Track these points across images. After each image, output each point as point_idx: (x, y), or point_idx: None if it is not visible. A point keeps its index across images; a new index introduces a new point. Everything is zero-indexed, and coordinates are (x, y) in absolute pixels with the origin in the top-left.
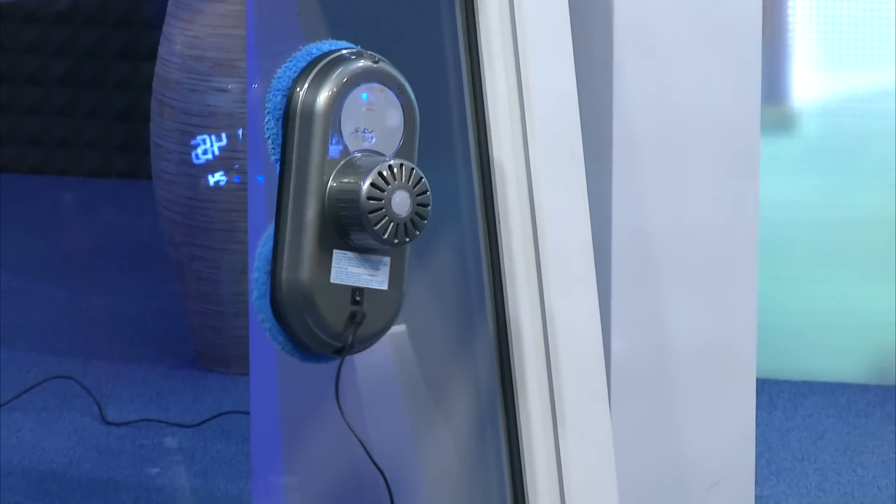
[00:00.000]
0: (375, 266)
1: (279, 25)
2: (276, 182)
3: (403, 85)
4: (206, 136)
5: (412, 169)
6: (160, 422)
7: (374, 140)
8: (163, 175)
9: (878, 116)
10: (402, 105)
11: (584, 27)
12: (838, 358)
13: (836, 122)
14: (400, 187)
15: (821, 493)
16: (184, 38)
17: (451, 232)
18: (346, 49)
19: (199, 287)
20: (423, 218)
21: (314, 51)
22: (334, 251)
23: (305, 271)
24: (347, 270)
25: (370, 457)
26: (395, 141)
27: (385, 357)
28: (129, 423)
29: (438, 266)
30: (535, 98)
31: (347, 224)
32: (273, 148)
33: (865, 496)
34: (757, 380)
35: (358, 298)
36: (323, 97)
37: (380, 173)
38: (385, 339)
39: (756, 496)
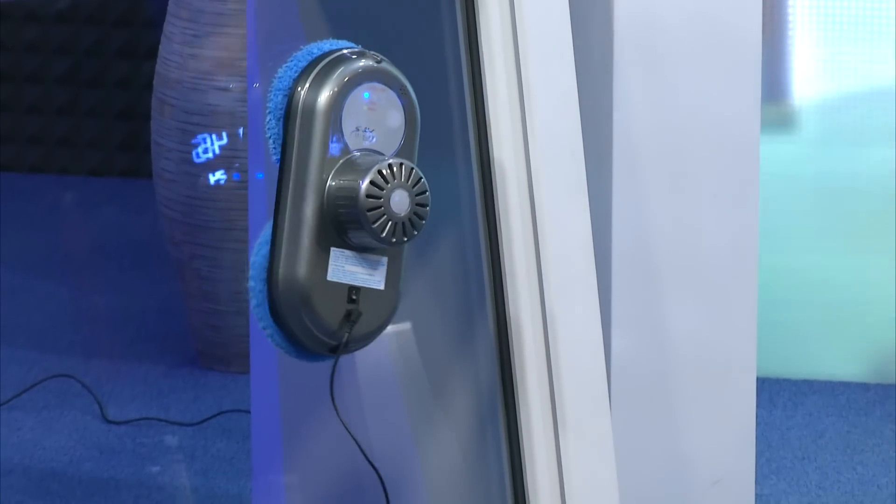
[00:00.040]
0: (373, 265)
1: (280, 25)
2: (276, 180)
3: (405, 86)
4: (206, 135)
5: (412, 168)
6: (161, 420)
7: (374, 140)
8: (163, 174)
9: (878, 116)
10: (403, 106)
11: (584, 27)
12: (838, 357)
13: (836, 121)
14: (399, 186)
15: (821, 491)
16: (184, 37)
17: (452, 231)
18: (347, 49)
19: (200, 286)
20: (421, 218)
21: (315, 50)
22: (332, 249)
23: (302, 268)
24: (344, 269)
25: (365, 456)
26: (396, 141)
27: (385, 356)
28: (129, 421)
29: (439, 265)
30: (535, 97)
31: (346, 222)
32: (274, 147)
33: (865, 494)
34: (757, 379)
35: (354, 297)
36: (325, 94)
37: (379, 172)
38: (385, 339)
39: (756, 495)
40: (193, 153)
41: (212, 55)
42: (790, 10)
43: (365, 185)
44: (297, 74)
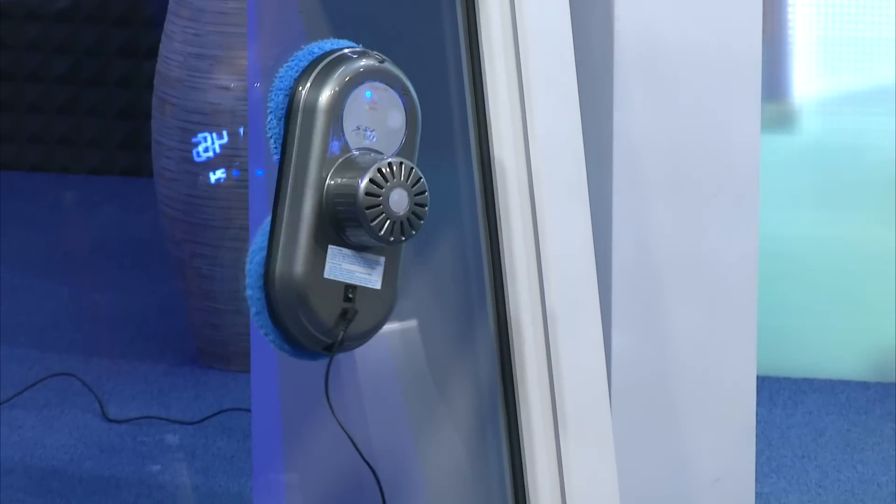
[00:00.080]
0: (370, 265)
1: (280, 24)
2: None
3: (407, 86)
4: (206, 134)
5: (411, 168)
6: (161, 419)
7: (374, 139)
8: (164, 172)
9: (879, 115)
10: (404, 106)
11: (584, 26)
12: (838, 355)
13: (835, 120)
14: (398, 185)
15: (821, 489)
16: (185, 36)
17: (452, 231)
18: (348, 48)
19: (200, 284)
20: (420, 217)
21: (316, 50)
22: (329, 247)
23: (300, 264)
24: (342, 267)
25: (360, 454)
26: (397, 141)
27: (386, 356)
28: (130, 420)
29: (439, 265)
30: (535, 97)
31: (344, 220)
32: (275, 147)
33: (865, 493)
34: (757, 377)
35: (350, 296)
36: (327, 92)
37: (379, 170)
38: (386, 338)
39: (756, 493)
40: (194, 152)
41: (212, 54)
42: (790, 9)
43: (364, 183)
44: (298, 74)
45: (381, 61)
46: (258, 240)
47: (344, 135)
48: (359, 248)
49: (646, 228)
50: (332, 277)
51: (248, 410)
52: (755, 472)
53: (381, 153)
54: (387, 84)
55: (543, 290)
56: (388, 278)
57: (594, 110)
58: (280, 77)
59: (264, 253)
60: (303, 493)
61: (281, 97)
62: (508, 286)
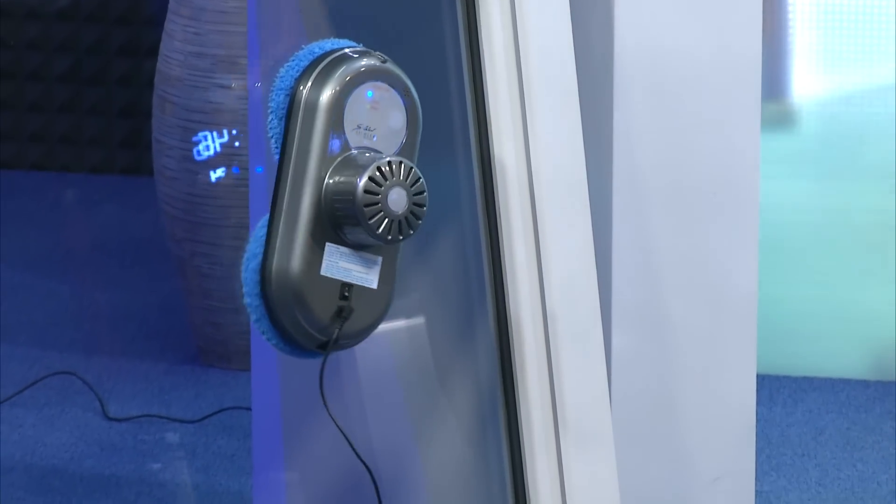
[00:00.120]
0: (367, 264)
1: (281, 23)
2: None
3: (409, 87)
4: (207, 133)
5: (411, 168)
6: (162, 417)
7: (375, 139)
8: (164, 171)
9: (878, 113)
10: (406, 107)
11: (584, 25)
12: (838, 354)
13: (835, 118)
14: (397, 184)
15: (821, 488)
16: (185, 35)
17: (453, 229)
18: (349, 48)
19: (201, 283)
20: (418, 217)
21: (317, 49)
22: (327, 244)
23: (296, 260)
24: (338, 265)
25: (355, 451)
26: (397, 142)
27: (386, 354)
28: (130, 418)
29: (440, 263)
30: (535, 95)
31: (342, 217)
32: (276, 147)
33: (865, 491)
34: (757, 376)
35: (346, 294)
36: (329, 90)
37: (378, 168)
38: (386, 337)
39: (756, 491)
40: (194, 150)
41: (213, 53)
42: (790, 7)
43: (363, 181)
44: (298, 74)
45: (384, 61)
46: (252, 247)
47: (344, 133)
48: (356, 247)
49: (646, 228)
50: (328, 275)
51: (249, 409)
52: (755, 470)
53: (381, 153)
54: (389, 84)
55: (543, 290)
56: (384, 278)
57: (594, 109)
58: (281, 77)
59: (258, 260)
60: (303, 492)
61: (282, 97)
62: (509, 285)
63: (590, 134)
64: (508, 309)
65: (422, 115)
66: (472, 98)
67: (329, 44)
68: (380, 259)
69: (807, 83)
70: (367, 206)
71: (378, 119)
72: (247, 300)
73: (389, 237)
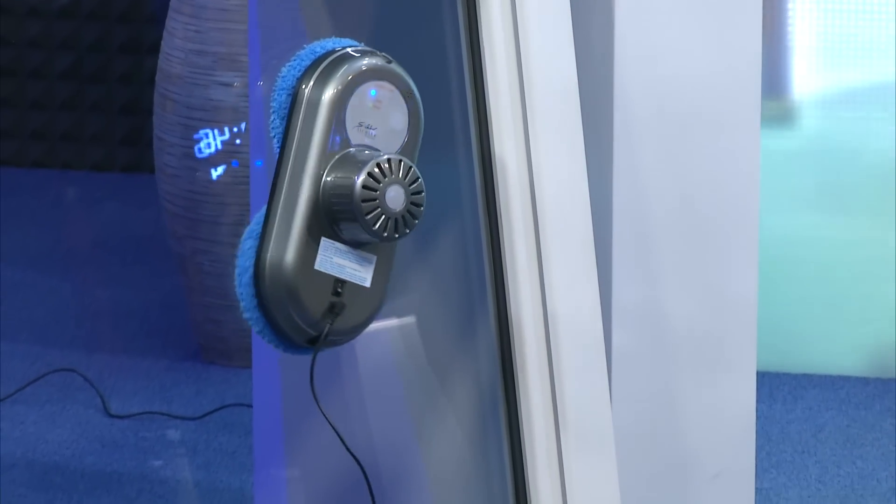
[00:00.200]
0: (362, 262)
1: (282, 21)
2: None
3: (412, 89)
4: (208, 130)
5: (410, 166)
6: (163, 414)
7: (375, 137)
8: (165, 169)
9: (878, 111)
10: (408, 108)
11: (585, 21)
12: (838, 351)
13: (835, 117)
14: (395, 182)
15: (821, 485)
16: (186, 33)
17: (453, 227)
18: (351, 47)
19: (202, 280)
20: (415, 217)
21: (319, 49)
22: (322, 239)
23: (291, 253)
24: (333, 260)
25: (347, 448)
26: (398, 142)
27: (387, 352)
28: (132, 415)
29: (440, 261)
30: (536, 92)
31: (339, 212)
32: (278, 146)
33: (865, 488)
34: (757, 373)
35: (339, 290)
36: (332, 87)
37: (377, 165)
38: (387, 334)
39: (756, 488)
40: (195, 148)
41: (214, 50)
42: (790, 5)
43: (362, 177)
44: (300, 73)
45: (389, 62)
46: (241, 262)
47: (346, 130)
48: (352, 244)
49: (646, 224)
50: (322, 269)
51: (250, 406)
52: (755, 467)
53: (380, 151)
54: (392, 84)
55: (544, 285)
56: (378, 277)
57: (594, 109)
58: (283, 76)
59: (250, 273)
60: (304, 489)
61: (284, 97)
62: (509, 284)
63: (590, 133)
64: (509, 308)
65: (423, 113)
66: (472, 97)
67: (331, 43)
68: (375, 258)
69: (806, 82)
70: (364, 201)
71: (380, 118)
72: (238, 291)
73: (385, 234)
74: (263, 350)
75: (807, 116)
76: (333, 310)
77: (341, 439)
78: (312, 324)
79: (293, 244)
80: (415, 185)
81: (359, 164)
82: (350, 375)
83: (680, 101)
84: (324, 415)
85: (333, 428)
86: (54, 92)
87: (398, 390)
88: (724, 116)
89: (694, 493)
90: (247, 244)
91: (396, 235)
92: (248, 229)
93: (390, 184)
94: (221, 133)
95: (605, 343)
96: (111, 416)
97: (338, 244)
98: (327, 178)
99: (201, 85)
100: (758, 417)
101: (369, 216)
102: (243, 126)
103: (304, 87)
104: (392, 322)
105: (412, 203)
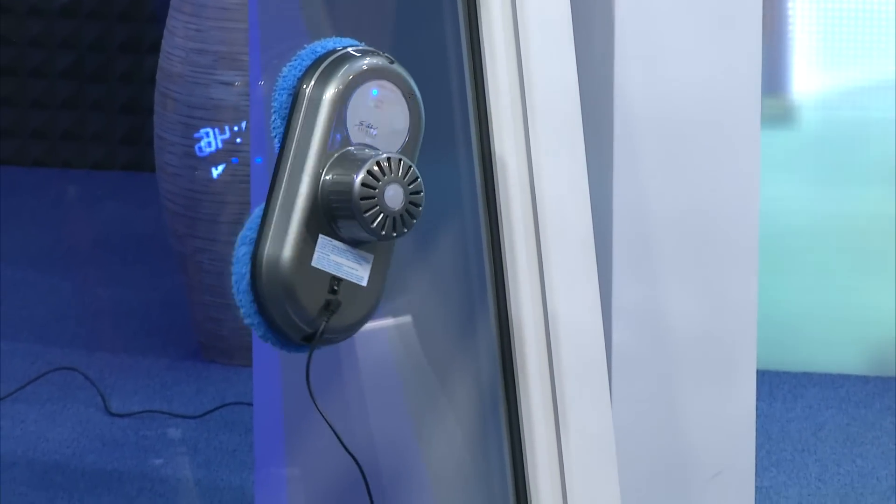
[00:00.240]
0: (359, 260)
1: (282, 20)
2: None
3: (413, 89)
4: (209, 129)
5: (409, 166)
6: (164, 413)
7: (376, 136)
8: (166, 167)
9: (878, 110)
10: (409, 108)
11: (585, 21)
12: (838, 349)
13: (835, 115)
14: (394, 181)
15: (821, 483)
16: (187, 32)
17: (453, 226)
18: (352, 46)
19: (202, 279)
20: (413, 216)
21: (319, 48)
22: (320, 236)
23: (288, 248)
24: (330, 258)
25: (344, 446)
26: (398, 141)
27: (387, 351)
28: (132, 414)
29: (440, 260)
30: (536, 91)
31: (337, 210)
32: (279, 146)
33: (865, 487)
34: (757, 371)
35: (335, 288)
36: (333, 86)
37: (377, 163)
38: (387, 333)
39: (756, 487)
40: (196, 147)
41: (214, 49)
42: (790, 4)
43: (361, 175)
44: (301, 73)
45: (391, 62)
46: (237, 269)
47: (346, 129)
48: (350, 242)
49: (646, 224)
50: (319, 266)
51: (250, 404)
52: (755, 466)
53: (380, 150)
54: (394, 84)
55: (544, 284)
56: (375, 277)
57: (594, 108)
58: (284, 76)
59: (247, 280)
60: (304, 487)
61: (285, 96)
62: (509, 283)
63: (590, 133)
64: (509, 308)
65: (424, 113)
66: (473, 97)
67: (332, 42)
68: (372, 257)
69: (806, 79)
70: (363, 199)
71: (381, 118)
72: (238, 298)
73: (384, 233)
74: (264, 349)
75: (806, 114)
76: (329, 307)
77: (338, 437)
78: (308, 321)
79: (291, 240)
80: (414, 184)
81: (358, 163)
82: (350, 375)
83: (680, 101)
84: (321, 413)
85: (330, 426)
86: (55, 91)
87: (398, 390)
88: (724, 117)
89: (694, 492)
90: (241, 250)
91: (394, 234)
92: (241, 235)
93: (389, 182)
94: (222, 132)
95: (605, 343)
96: (112, 414)
97: (335, 242)
98: (326, 177)
99: (202, 84)
100: (758, 416)
101: (368, 214)
102: (244, 125)
103: (305, 86)
104: (392, 321)
105: (411, 202)
